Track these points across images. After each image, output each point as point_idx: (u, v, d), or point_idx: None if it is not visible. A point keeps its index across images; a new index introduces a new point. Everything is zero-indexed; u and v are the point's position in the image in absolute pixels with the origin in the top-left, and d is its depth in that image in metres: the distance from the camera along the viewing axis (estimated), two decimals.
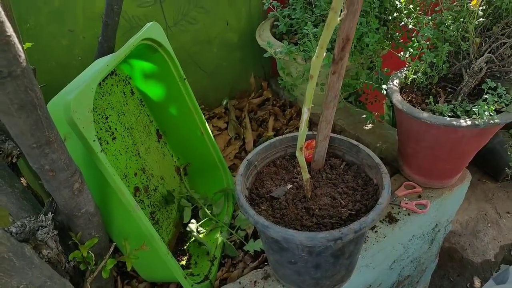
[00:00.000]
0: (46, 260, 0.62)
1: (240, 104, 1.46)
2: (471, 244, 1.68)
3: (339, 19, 0.51)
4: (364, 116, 1.29)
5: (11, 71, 0.40)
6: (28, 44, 0.77)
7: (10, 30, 0.38)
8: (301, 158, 0.65)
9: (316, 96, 1.22)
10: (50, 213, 0.62)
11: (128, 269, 0.72)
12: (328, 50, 1.04)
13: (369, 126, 1.25)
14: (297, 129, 1.33)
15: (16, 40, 0.39)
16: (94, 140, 0.61)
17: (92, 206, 0.65)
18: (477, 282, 1.54)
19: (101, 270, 0.71)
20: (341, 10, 0.58)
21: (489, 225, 1.75)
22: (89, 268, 0.71)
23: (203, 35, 1.27)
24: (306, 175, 0.69)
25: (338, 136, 0.81)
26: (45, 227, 0.58)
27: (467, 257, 1.63)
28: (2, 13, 0.37)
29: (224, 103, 1.44)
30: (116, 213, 0.74)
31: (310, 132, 0.82)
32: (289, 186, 0.76)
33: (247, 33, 1.36)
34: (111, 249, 0.73)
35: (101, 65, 0.71)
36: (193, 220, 1.03)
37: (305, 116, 0.60)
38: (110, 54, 0.80)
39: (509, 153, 1.04)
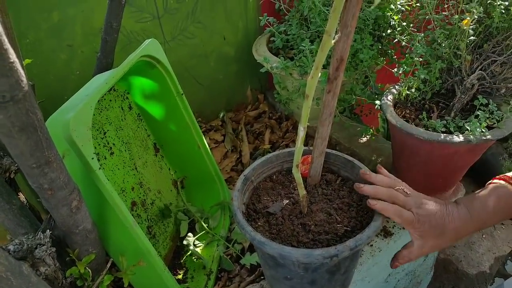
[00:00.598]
0: (43, 277, 0.62)
1: (237, 116, 1.47)
2: (466, 255, 1.68)
3: (333, 41, 0.52)
4: (359, 129, 1.31)
5: (13, 96, 0.41)
6: (27, 61, 0.78)
7: (13, 56, 0.39)
8: (297, 175, 0.66)
9: (312, 111, 1.24)
10: (48, 230, 0.62)
11: (125, 286, 0.73)
12: (324, 66, 1.05)
13: (364, 139, 1.27)
14: (293, 142, 1.34)
15: (18, 66, 0.40)
16: (92, 158, 0.62)
17: (89, 223, 0.65)
18: None
19: (98, 286, 0.71)
20: (336, 31, 0.60)
21: (484, 236, 1.76)
22: (86, 284, 0.71)
23: (201, 49, 1.29)
24: (302, 192, 0.70)
25: (334, 151, 0.82)
26: (43, 245, 0.59)
27: (462, 269, 1.63)
28: (6, 40, 0.38)
29: (221, 115, 1.45)
30: (113, 229, 0.74)
31: (306, 148, 0.83)
32: (285, 201, 0.77)
33: (243, 47, 1.38)
34: (108, 265, 0.73)
35: (100, 82, 0.72)
36: (189, 234, 1.03)
37: (301, 134, 0.61)
38: (109, 71, 0.81)
39: (501, 163, 1.05)
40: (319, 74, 0.57)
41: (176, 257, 1.03)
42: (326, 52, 0.53)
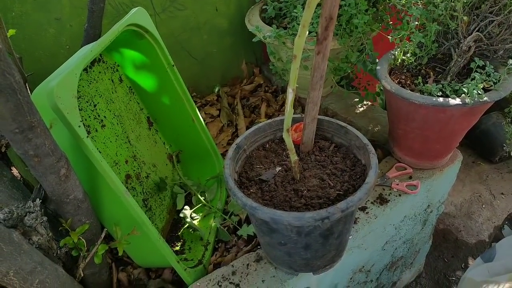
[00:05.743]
0: (36, 246, 0.63)
1: (233, 91, 1.45)
2: (465, 225, 1.69)
3: None
4: (356, 99, 1.29)
5: None
6: (11, 31, 0.77)
7: None
8: (288, 139, 0.66)
9: (308, 80, 1.22)
10: (38, 199, 0.62)
11: (119, 254, 0.73)
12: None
13: (361, 109, 1.25)
14: None
15: None
16: (79, 126, 0.61)
17: (80, 192, 0.65)
18: (471, 263, 1.56)
19: (93, 256, 0.72)
20: None
21: (483, 206, 1.76)
22: (81, 254, 0.72)
23: (193, 22, 1.26)
24: (294, 157, 0.69)
25: (326, 118, 0.81)
26: (33, 213, 0.59)
27: (461, 238, 1.65)
28: None
29: (216, 90, 1.43)
30: (106, 199, 0.74)
31: (299, 115, 0.82)
32: (278, 168, 0.76)
33: (237, 19, 1.35)
34: (103, 235, 0.74)
35: (85, 51, 0.70)
36: (186, 207, 1.03)
37: (290, 97, 0.60)
38: (96, 41, 0.79)
39: (506, 130, 1.03)
40: (306, 33, 0.56)
41: (173, 230, 1.04)
42: (313, 8, 0.52)
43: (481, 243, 1.62)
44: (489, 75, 0.85)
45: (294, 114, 0.68)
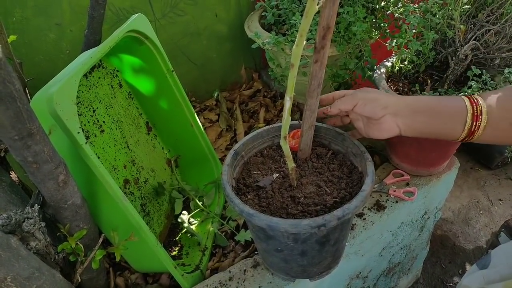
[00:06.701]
0: (34, 251, 0.63)
1: (231, 96, 1.46)
2: (463, 231, 1.70)
3: (317, 6, 0.51)
4: None
5: None
6: (12, 37, 0.78)
7: None
8: (285, 146, 0.66)
9: (306, 86, 1.23)
10: (36, 205, 0.62)
11: (117, 260, 0.73)
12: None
13: None
14: None
15: None
16: (78, 132, 0.61)
17: (78, 198, 0.65)
18: (468, 269, 1.56)
19: (91, 261, 0.72)
20: None
21: (481, 212, 1.77)
22: (79, 259, 0.72)
23: (192, 27, 1.27)
24: (291, 164, 0.69)
25: (324, 125, 0.81)
26: (31, 218, 0.59)
27: (459, 244, 1.65)
28: None
29: (215, 95, 1.44)
30: (104, 205, 0.75)
31: (297, 122, 0.83)
32: (275, 175, 0.77)
33: (236, 25, 1.36)
34: (100, 240, 0.74)
35: (85, 57, 0.71)
36: (184, 212, 1.04)
37: (288, 104, 0.60)
38: (96, 47, 0.80)
39: None
40: (304, 42, 0.56)
41: (171, 234, 1.04)
42: (310, 18, 0.52)
43: (478, 249, 1.63)
44: (485, 84, 0.85)
45: (292, 120, 0.69)
